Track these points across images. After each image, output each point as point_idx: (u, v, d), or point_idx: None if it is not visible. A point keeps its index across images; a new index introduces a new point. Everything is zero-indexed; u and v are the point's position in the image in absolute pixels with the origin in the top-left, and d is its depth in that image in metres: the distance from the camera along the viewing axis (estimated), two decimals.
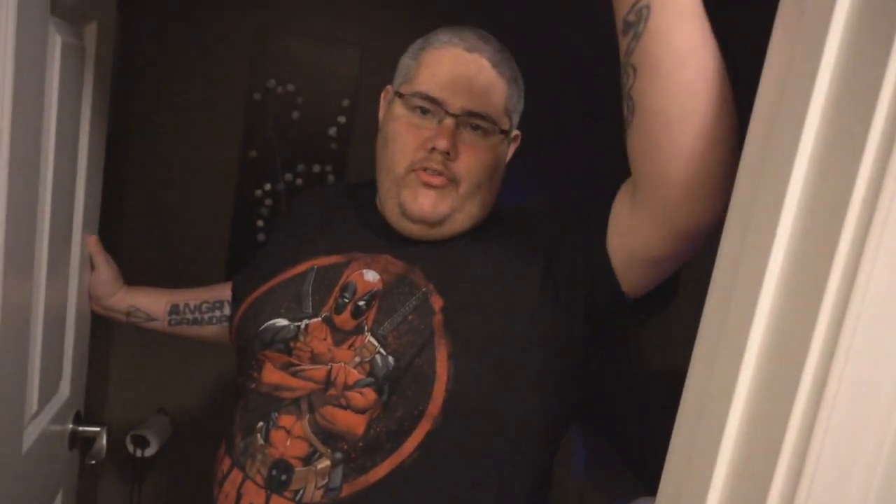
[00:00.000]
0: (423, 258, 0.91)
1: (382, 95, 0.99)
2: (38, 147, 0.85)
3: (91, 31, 0.98)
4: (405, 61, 0.95)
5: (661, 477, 0.57)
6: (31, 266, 0.88)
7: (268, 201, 1.99)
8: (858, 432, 0.42)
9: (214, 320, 1.16)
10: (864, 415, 0.42)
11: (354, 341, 0.85)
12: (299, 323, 0.88)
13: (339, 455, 0.82)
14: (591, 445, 1.88)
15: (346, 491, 0.81)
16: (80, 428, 1.11)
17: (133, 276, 1.88)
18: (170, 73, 1.91)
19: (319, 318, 0.88)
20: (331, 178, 2.01)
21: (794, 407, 0.43)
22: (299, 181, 2.00)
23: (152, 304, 1.16)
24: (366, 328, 0.86)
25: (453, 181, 0.90)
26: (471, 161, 0.90)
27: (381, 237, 0.95)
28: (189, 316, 1.15)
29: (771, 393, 0.46)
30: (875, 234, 0.40)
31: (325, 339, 0.87)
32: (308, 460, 0.83)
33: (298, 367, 0.86)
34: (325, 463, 0.82)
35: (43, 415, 0.97)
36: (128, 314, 1.15)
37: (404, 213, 0.91)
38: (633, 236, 0.76)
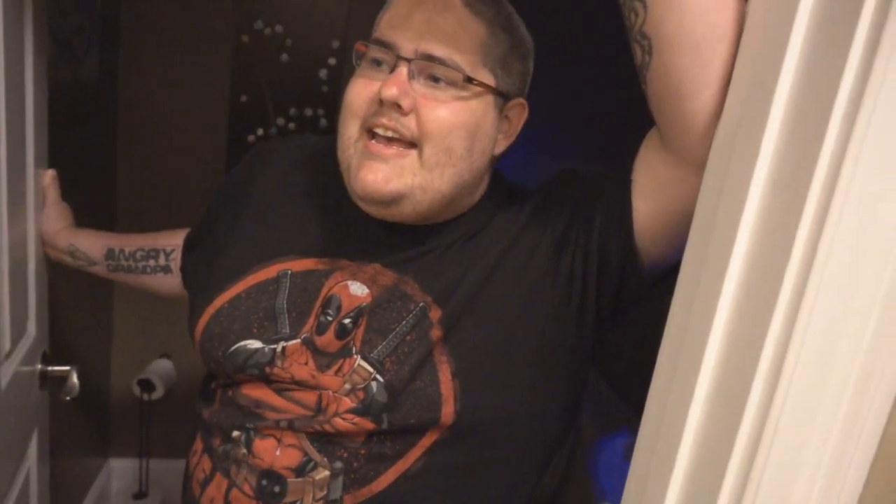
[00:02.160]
0: (414, 265, 0.79)
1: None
2: None
3: None
4: (380, 14, 0.80)
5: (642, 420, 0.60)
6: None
7: (262, 143, 1.97)
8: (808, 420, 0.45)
9: (149, 270, 1.06)
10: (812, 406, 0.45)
11: (342, 366, 0.75)
12: (275, 346, 0.77)
13: (338, 464, 0.74)
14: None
15: (349, 503, 0.75)
16: (50, 368, 1.11)
17: (128, 226, 1.89)
18: (154, 17, 1.87)
19: (298, 340, 0.76)
20: (323, 121, 1.99)
21: (769, 332, 0.46)
22: (292, 125, 1.98)
23: (91, 246, 1.08)
24: (354, 350, 0.75)
25: (413, 145, 0.73)
26: (431, 117, 0.72)
27: (366, 236, 0.81)
28: (124, 262, 1.07)
29: (745, 325, 0.48)
30: (826, 239, 0.42)
31: (306, 364, 0.76)
32: (301, 471, 0.75)
33: (285, 386, 0.76)
34: (322, 473, 0.75)
35: (14, 355, 0.99)
36: (71, 255, 1.09)
37: (351, 190, 0.76)
38: (672, 190, 0.68)
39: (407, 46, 0.72)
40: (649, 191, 0.72)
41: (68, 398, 1.10)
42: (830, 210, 0.42)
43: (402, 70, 0.72)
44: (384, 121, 0.72)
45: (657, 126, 0.67)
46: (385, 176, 0.73)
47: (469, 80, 0.73)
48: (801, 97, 0.45)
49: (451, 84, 0.73)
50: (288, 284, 0.80)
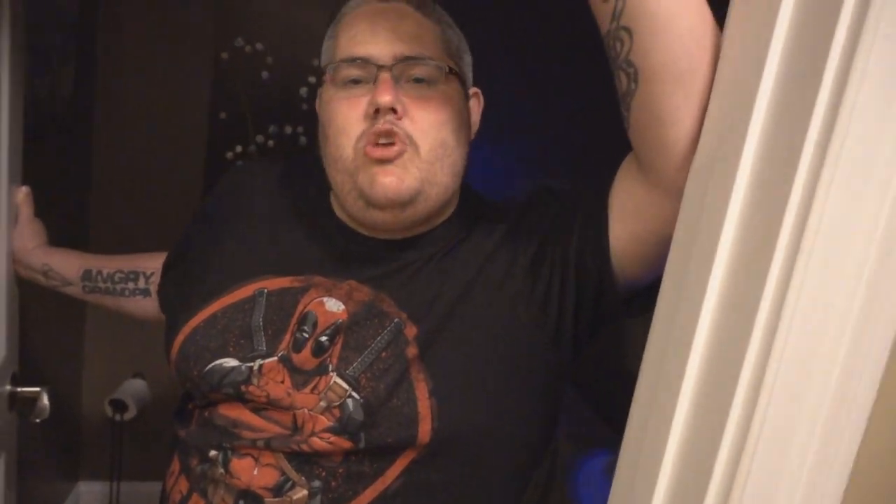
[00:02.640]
0: (390, 280, 0.79)
1: (319, 93, 0.85)
2: None
3: None
4: (325, 44, 0.83)
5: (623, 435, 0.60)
6: None
7: (239, 164, 1.96)
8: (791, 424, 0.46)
9: (127, 292, 1.04)
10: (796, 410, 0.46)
11: (318, 383, 0.75)
12: (252, 364, 0.76)
13: (316, 483, 0.74)
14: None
15: None
16: (19, 389, 1.08)
17: (102, 243, 1.86)
18: (133, 32, 1.86)
19: (275, 358, 0.77)
20: (303, 139, 1.98)
21: (747, 351, 0.47)
22: (271, 143, 1.97)
23: (67, 266, 1.07)
24: (331, 367, 0.75)
25: (411, 144, 0.75)
26: (422, 115, 0.75)
27: (341, 255, 0.82)
28: (101, 285, 1.05)
29: (724, 344, 0.49)
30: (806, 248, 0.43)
31: (282, 382, 0.76)
32: (279, 490, 0.74)
33: (261, 405, 0.76)
34: (300, 493, 0.74)
35: None
36: (44, 274, 1.07)
37: (369, 202, 0.77)
38: (650, 216, 0.69)
39: (384, 55, 0.75)
40: (626, 214, 0.73)
41: (38, 420, 1.07)
42: (805, 233, 0.43)
43: (387, 77, 0.74)
44: (381, 126, 0.74)
45: (635, 152, 0.68)
46: (398, 176, 0.75)
47: (450, 70, 0.78)
48: (776, 125, 0.46)
49: (433, 80, 0.77)
50: (264, 302, 0.80)
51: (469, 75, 0.84)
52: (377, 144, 0.74)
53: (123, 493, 1.91)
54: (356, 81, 0.76)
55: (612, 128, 0.76)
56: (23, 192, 1.07)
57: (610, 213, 0.73)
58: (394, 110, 0.73)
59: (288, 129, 1.97)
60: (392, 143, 0.74)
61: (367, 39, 0.75)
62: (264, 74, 1.93)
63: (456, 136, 0.78)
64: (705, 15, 0.58)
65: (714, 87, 0.57)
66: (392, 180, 0.74)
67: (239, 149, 1.96)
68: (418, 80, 0.76)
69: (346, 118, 0.76)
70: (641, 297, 0.78)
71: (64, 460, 1.94)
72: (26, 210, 1.07)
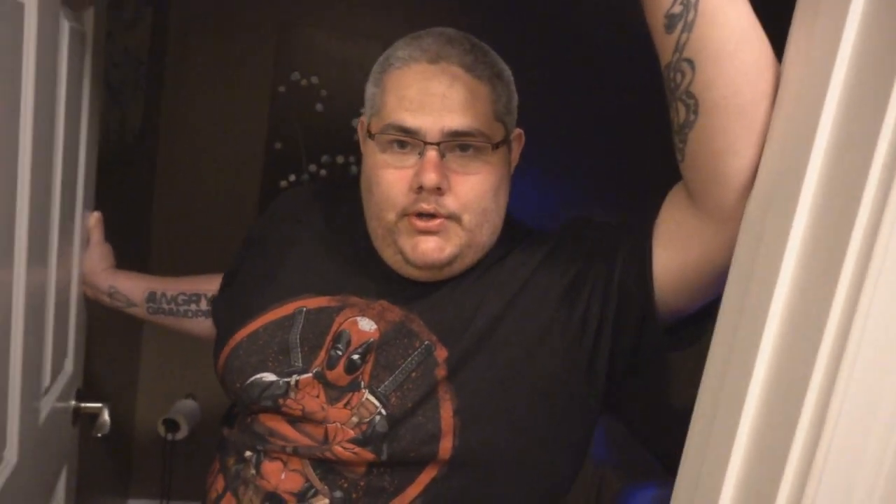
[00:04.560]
0: (422, 303, 0.82)
1: (359, 125, 0.88)
2: (53, 130, 0.89)
3: (89, 15, 1.01)
4: (369, 89, 0.84)
5: (679, 464, 0.59)
6: (47, 247, 0.91)
7: (287, 190, 2.03)
8: (862, 435, 0.45)
9: (190, 314, 1.09)
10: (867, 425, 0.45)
11: (350, 399, 0.78)
12: (289, 379, 0.80)
13: (338, 494, 0.76)
14: (607, 427, 1.90)
15: None
16: (83, 404, 1.13)
17: (161, 266, 1.94)
18: (196, 67, 1.96)
19: (311, 374, 0.80)
20: (354, 168, 2.04)
21: (810, 385, 0.46)
22: (323, 172, 2.03)
23: (132, 287, 1.11)
24: (363, 384, 0.78)
25: (453, 218, 0.78)
26: (467, 190, 0.77)
27: (375, 274, 0.85)
28: (165, 306, 1.10)
29: (781, 390, 0.48)
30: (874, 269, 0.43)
31: (317, 397, 0.79)
32: (303, 497, 0.77)
33: (297, 418, 0.80)
34: (322, 501, 0.77)
35: (53, 390, 1.01)
36: (110, 295, 1.12)
37: (408, 262, 0.80)
38: (700, 245, 0.69)
39: (432, 129, 0.75)
40: (674, 244, 0.72)
41: (99, 435, 1.12)
42: (872, 260, 0.42)
43: (434, 154, 0.76)
44: (425, 206, 0.77)
45: (688, 182, 0.68)
46: (439, 245, 0.79)
47: (496, 146, 0.78)
48: (839, 150, 0.46)
49: (479, 150, 0.78)
50: (302, 320, 0.84)
51: (514, 119, 0.84)
52: (420, 216, 0.77)
53: None
54: (402, 144, 0.77)
55: (649, 164, 0.76)
56: (94, 217, 1.13)
57: (655, 244, 0.73)
58: (439, 189, 0.76)
59: (340, 159, 2.03)
60: (434, 218, 0.77)
61: (416, 109, 0.75)
62: (318, 107, 2.00)
63: (497, 199, 0.80)
64: (766, 48, 0.58)
65: (775, 113, 0.57)
66: (433, 248, 0.78)
67: (293, 178, 2.02)
68: (464, 149, 0.77)
69: (391, 187, 0.78)
70: (685, 330, 0.78)
71: (116, 477, 1.99)
72: (97, 234, 1.13)
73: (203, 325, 1.10)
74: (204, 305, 1.09)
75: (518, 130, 0.86)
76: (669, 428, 1.68)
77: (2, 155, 0.71)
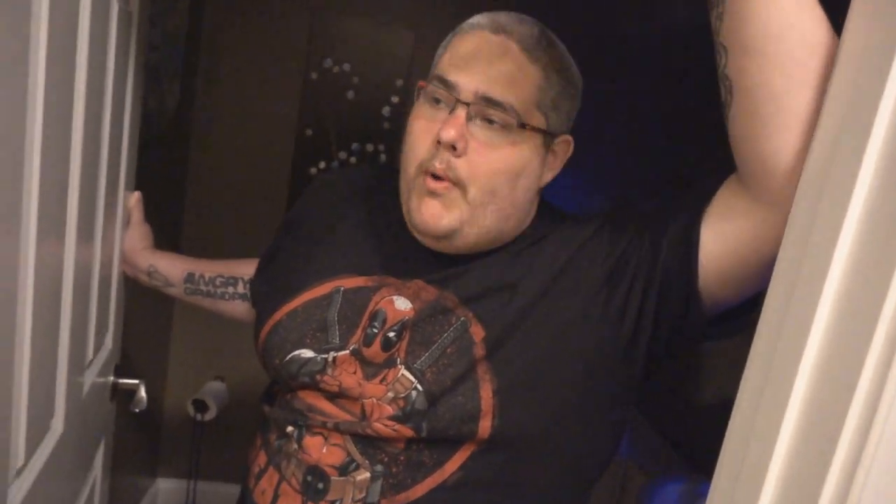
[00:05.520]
0: (457, 282, 0.82)
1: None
2: (101, 109, 0.90)
3: None
4: (438, 53, 0.84)
5: (718, 461, 0.59)
6: (93, 225, 0.93)
7: (325, 173, 2.04)
8: None
9: (227, 296, 1.11)
10: None
11: (386, 375, 0.79)
12: (326, 356, 0.82)
13: (378, 468, 0.78)
14: (632, 422, 1.90)
15: None
16: (121, 380, 1.16)
17: (193, 248, 1.96)
18: (230, 51, 1.97)
19: (348, 351, 0.82)
20: (383, 157, 2.05)
21: (860, 379, 0.45)
22: (353, 159, 2.04)
23: (171, 268, 1.13)
24: (399, 360, 0.80)
25: (459, 186, 0.78)
26: (481, 161, 0.77)
27: (411, 255, 0.86)
28: (203, 287, 1.12)
29: (828, 386, 0.48)
30: None
31: (354, 373, 0.81)
32: (344, 470, 0.79)
33: (335, 393, 0.81)
34: (363, 475, 0.78)
35: (94, 364, 1.03)
36: (148, 274, 1.13)
37: (412, 225, 0.82)
38: (750, 232, 0.69)
39: (467, 89, 0.76)
40: (723, 229, 0.72)
41: (137, 410, 1.14)
42: None
43: (461, 113, 0.76)
44: (438, 164, 0.77)
45: (736, 162, 0.68)
46: (438, 212, 0.79)
47: (522, 125, 0.77)
48: None
49: (505, 127, 0.77)
50: (340, 300, 0.86)
51: (565, 123, 0.83)
52: (432, 176, 0.78)
53: (200, 492, 1.99)
54: (437, 101, 0.79)
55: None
56: (135, 196, 1.15)
57: (704, 228, 0.73)
58: (454, 147, 0.76)
59: (370, 147, 2.04)
60: (442, 180, 0.78)
61: (461, 66, 0.77)
62: (350, 94, 2.01)
63: (511, 186, 0.79)
64: (810, 37, 0.57)
65: (827, 98, 0.55)
66: (432, 214, 0.79)
67: (322, 164, 2.04)
68: (491, 122, 0.77)
69: (418, 139, 0.80)
70: (727, 322, 0.78)
71: (146, 455, 2.03)
72: (137, 214, 1.15)
73: (239, 308, 1.12)
74: (241, 288, 1.11)
75: (567, 137, 0.84)
76: (695, 423, 1.67)
77: (57, 134, 0.73)
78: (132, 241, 1.14)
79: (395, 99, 2.01)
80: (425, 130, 0.79)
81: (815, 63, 0.57)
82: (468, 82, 0.76)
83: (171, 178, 1.96)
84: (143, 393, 1.15)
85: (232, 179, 2.05)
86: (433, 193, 0.79)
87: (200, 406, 1.86)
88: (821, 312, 0.49)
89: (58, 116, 0.72)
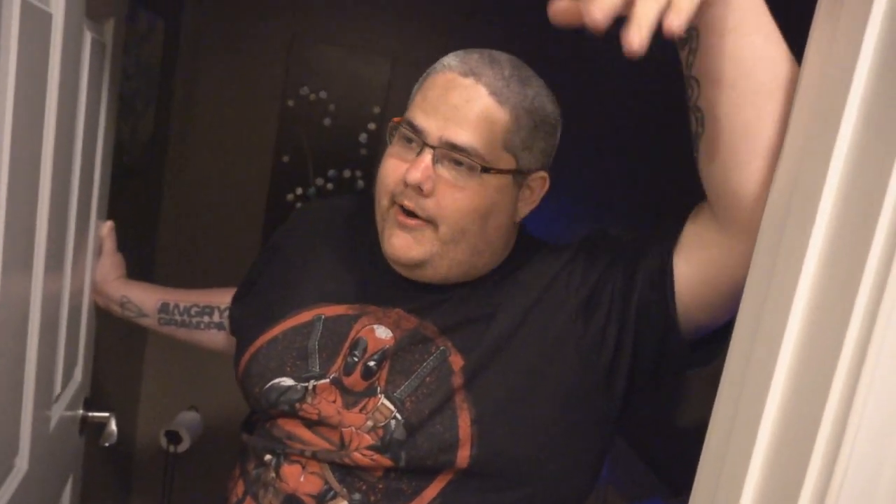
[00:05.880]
0: (436, 310, 0.84)
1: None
2: (73, 139, 0.89)
3: (109, 26, 1.03)
4: (413, 90, 0.85)
5: (695, 480, 0.59)
6: (63, 255, 0.91)
7: (299, 205, 2.03)
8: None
9: (202, 325, 1.10)
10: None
11: (366, 404, 0.80)
12: (306, 384, 0.82)
13: (356, 496, 0.78)
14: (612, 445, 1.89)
15: None
16: (90, 413, 1.14)
17: (163, 276, 1.94)
18: (206, 78, 1.97)
19: (328, 380, 0.82)
20: (360, 183, 2.05)
21: (829, 395, 0.46)
22: (330, 185, 2.04)
23: (144, 298, 1.11)
24: (379, 389, 0.80)
25: (430, 223, 0.80)
26: (448, 201, 0.78)
27: (391, 284, 0.86)
28: (178, 317, 1.10)
29: (798, 406, 0.48)
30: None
31: (334, 402, 0.81)
32: (322, 499, 0.79)
33: (313, 422, 0.81)
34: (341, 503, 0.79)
35: (62, 398, 1.01)
36: (121, 305, 1.12)
37: (384, 252, 0.84)
38: (720, 259, 0.70)
39: (433, 134, 0.78)
40: (695, 258, 0.74)
41: (107, 444, 1.11)
42: (890, 278, 0.43)
43: (427, 156, 0.78)
44: (407, 202, 0.79)
45: (706, 192, 0.70)
46: (408, 243, 0.81)
47: (487, 170, 0.78)
48: (858, 166, 0.46)
49: (472, 169, 0.78)
50: (321, 328, 0.86)
51: (539, 161, 0.83)
52: (402, 211, 0.80)
53: None
54: (409, 140, 0.80)
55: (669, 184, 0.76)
56: (107, 226, 1.14)
57: (677, 257, 0.74)
58: (420, 188, 0.78)
59: (346, 174, 2.04)
60: (413, 216, 0.80)
61: (428, 112, 0.78)
62: (326, 121, 2.01)
63: (481, 224, 0.80)
64: (779, 72, 0.59)
65: (790, 127, 0.57)
66: (401, 245, 0.81)
67: (299, 191, 2.03)
68: (458, 163, 0.78)
69: (389, 174, 0.81)
70: (707, 345, 0.78)
71: (117, 488, 1.98)
72: (109, 243, 1.14)
73: (215, 338, 1.10)
74: (216, 318, 1.09)
75: (541, 174, 0.84)
76: (674, 446, 1.67)
77: (26, 163, 0.72)
78: (104, 271, 1.12)
79: (371, 126, 2.02)
80: (395, 168, 0.81)
81: (782, 95, 0.59)
82: (434, 128, 0.78)
83: (145, 206, 1.93)
84: (113, 426, 1.12)
85: (207, 207, 2.03)
86: (404, 227, 0.80)
87: (174, 437, 1.82)
88: (789, 334, 0.50)
89: (26, 145, 0.72)
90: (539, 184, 0.85)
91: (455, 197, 0.78)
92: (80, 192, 0.96)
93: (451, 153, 0.78)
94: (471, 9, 1.99)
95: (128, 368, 1.96)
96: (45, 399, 0.91)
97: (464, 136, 0.77)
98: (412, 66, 2.09)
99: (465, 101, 0.77)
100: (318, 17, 2.00)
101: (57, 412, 0.98)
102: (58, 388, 0.97)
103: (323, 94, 2.00)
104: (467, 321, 0.82)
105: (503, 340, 0.79)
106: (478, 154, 0.77)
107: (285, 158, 2.02)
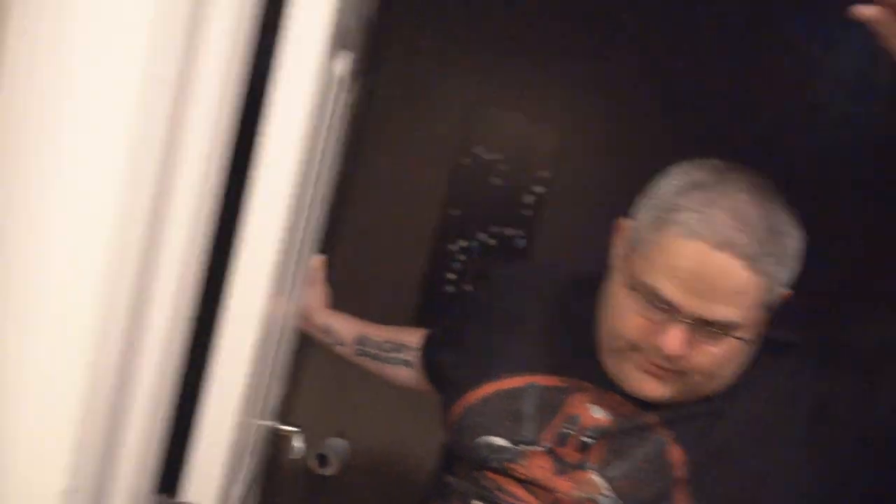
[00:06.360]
0: (659, 404, 0.85)
1: (617, 228, 0.88)
2: (315, 176, 0.98)
3: (348, 60, 1.06)
4: (643, 226, 0.81)
5: None
6: (295, 281, 1.01)
7: (461, 257, 2.13)
8: None
9: (392, 361, 1.19)
10: None
11: (575, 475, 0.84)
12: (519, 448, 0.87)
13: None
14: None
15: None
16: (280, 426, 1.24)
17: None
18: (389, 131, 2.14)
19: (542, 448, 0.86)
20: (521, 242, 2.12)
21: None
22: (492, 241, 2.13)
23: (345, 328, 1.23)
24: (589, 465, 0.84)
25: (680, 373, 0.81)
26: (702, 359, 0.79)
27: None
28: (372, 350, 1.20)
29: None
30: None
31: (543, 467, 0.86)
32: None
33: (525, 481, 0.85)
34: None
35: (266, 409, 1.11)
36: (324, 332, 1.24)
37: (618, 382, 0.85)
38: None
39: (688, 310, 0.77)
40: None
41: (293, 458, 1.21)
42: None
43: (683, 329, 0.78)
44: (659, 362, 0.81)
45: None
46: (656, 388, 0.83)
47: (745, 340, 0.80)
48: None
49: (726, 332, 0.79)
50: (535, 395, 0.90)
51: (780, 291, 0.81)
52: (650, 361, 0.81)
53: None
54: (653, 303, 0.79)
55: None
56: (319, 259, 1.27)
57: None
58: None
59: (509, 231, 2.12)
60: (665, 369, 0.81)
61: (679, 288, 0.76)
62: (495, 180, 2.12)
63: (732, 369, 0.83)
64: None
65: None
66: (650, 388, 0.83)
67: (462, 243, 2.14)
68: (710, 329, 0.78)
69: (631, 330, 0.81)
70: None
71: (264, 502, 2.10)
72: (320, 275, 1.27)
73: (402, 373, 1.19)
74: (405, 355, 1.18)
75: (786, 293, 0.82)
76: None
77: (299, 199, 0.83)
78: (314, 299, 1.24)
79: (538, 188, 2.10)
80: (640, 325, 0.80)
81: None
82: (690, 307, 0.76)
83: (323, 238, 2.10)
84: (301, 441, 1.22)
85: (374, 247, 2.18)
86: (654, 374, 0.82)
87: (322, 460, 1.93)
88: None
89: (304, 186, 0.83)
90: (784, 297, 0.84)
91: (710, 352, 0.80)
92: (307, 223, 1.07)
93: (707, 326, 0.78)
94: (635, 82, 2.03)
95: (287, 390, 2.10)
96: (261, 406, 1.01)
97: (721, 312, 0.76)
98: (580, 137, 2.17)
99: (719, 276, 0.75)
100: (496, 84, 2.13)
101: (263, 424, 1.09)
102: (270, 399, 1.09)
103: (495, 156, 2.11)
104: (691, 416, 0.84)
105: (732, 441, 0.81)
106: (733, 325, 0.78)
107: (454, 211, 2.13)
